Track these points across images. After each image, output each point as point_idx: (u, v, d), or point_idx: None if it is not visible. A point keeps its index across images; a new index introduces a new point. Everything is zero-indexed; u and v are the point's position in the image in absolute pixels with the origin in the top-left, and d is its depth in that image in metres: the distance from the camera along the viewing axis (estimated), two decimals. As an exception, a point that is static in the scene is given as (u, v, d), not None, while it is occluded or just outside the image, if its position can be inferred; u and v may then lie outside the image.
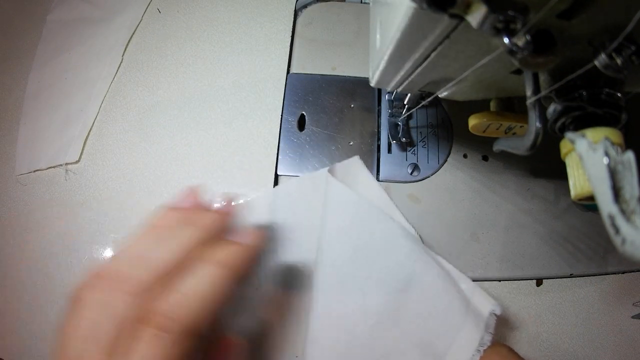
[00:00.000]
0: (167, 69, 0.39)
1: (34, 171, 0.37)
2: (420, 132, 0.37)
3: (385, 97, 0.38)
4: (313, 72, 0.40)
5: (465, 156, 0.37)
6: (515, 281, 0.34)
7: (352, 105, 0.38)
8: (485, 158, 0.37)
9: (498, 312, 0.29)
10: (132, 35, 0.41)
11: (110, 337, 0.18)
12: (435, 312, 0.29)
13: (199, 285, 0.20)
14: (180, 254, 0.21)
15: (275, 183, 0.35)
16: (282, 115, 0.38)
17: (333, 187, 0.32)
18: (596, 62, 0.16)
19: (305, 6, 0.43)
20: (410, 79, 0.25)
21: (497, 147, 0.24)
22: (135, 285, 0.19)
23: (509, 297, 0.33)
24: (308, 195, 0.33)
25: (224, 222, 0.24)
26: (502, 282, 0.34)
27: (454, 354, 0.28)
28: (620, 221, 0.14)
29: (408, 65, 0.23)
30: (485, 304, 0.30)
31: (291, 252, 0.32)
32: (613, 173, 0.15)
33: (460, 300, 0.29)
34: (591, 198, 0.16)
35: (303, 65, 0.40)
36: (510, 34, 0.14)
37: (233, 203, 0.27)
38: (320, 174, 0.33)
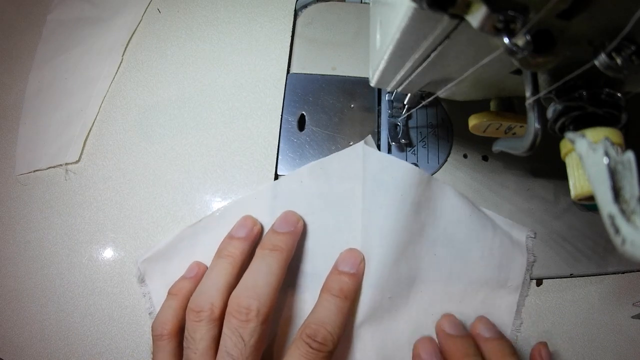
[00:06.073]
0: (167, 69, 0.39)
1: (34, 171, 0.37)
2: (420, 132, 0.37)
3: (385, 97, 0.38)
4: (313, 72, 0.40)
5: (465, 156, 0.37)
6: (515, 281, 0.34)
7: (352, 105, 0.38)
8: (485, 158, 0.37)
9: (533, 235, 0.34)
10: (132, 35, 0.41)
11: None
12: (492, 252, 0.33)
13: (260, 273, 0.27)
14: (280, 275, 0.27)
15: (275, 183, 0.35)
16: (282, 115, 0.38)
17: (373, 158, 0.33)
18: (596, 62, 0.16)
19: (305, 6, 0.43)
20: (410, 79, 0.25)
21: (496, 147, 0.24)
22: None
23: (509, 297, 0.33)
24: (343, 172, 0.33)
25: (296, 241, 0.30)
26: (502, 282, 0.34)
27: (512, 279, 0.33)
28: (620, 221, 0.14)
29: (408, 65, 0.23)
30: (521, 233, 0.34)
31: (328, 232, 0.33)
32: (613, 173, 0.15)
33: (507, 237, 0.34)
34: (591, 198, 0.16)
35: (303, 65, 0.40)
36: (510, 34, 0.14)
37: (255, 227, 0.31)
38: (353, 150, 0.34)
